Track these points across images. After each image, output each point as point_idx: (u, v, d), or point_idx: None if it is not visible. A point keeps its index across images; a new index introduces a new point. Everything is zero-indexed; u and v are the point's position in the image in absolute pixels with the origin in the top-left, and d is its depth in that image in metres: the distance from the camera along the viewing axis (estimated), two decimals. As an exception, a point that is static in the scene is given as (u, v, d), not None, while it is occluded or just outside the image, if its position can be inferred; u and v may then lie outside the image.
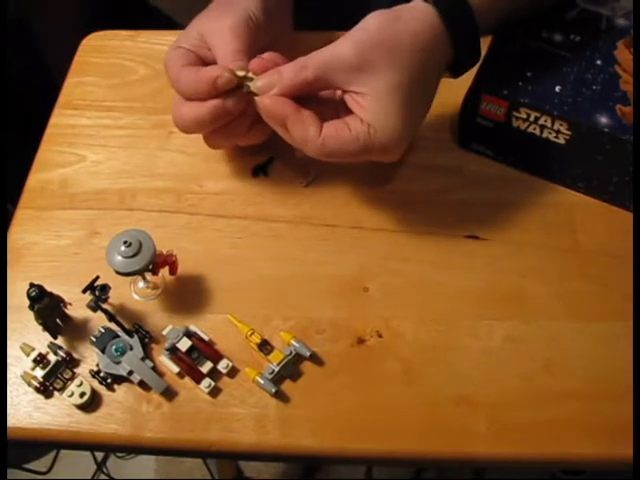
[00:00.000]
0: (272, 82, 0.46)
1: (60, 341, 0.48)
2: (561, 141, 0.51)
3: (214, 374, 0.46)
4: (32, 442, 0.46)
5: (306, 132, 0.45)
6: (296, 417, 0.45)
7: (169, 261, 0.48)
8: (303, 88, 0.46)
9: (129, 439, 0.45)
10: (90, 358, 0.47)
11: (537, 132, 0.52)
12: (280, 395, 0.45)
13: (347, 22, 0.52)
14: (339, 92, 0.48)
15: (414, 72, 0.46)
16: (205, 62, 0.51)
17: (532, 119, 0.51)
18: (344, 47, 0.46)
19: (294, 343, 0.46)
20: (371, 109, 0.45)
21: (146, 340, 0.48)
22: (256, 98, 0.47)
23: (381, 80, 0.45)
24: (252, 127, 0.51)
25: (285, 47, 0.54)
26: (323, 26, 0.64)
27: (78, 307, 0.49)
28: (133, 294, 0.50)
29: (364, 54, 0.45)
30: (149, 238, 0.47)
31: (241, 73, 0.47)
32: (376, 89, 0.45)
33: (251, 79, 0.47)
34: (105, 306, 0.48)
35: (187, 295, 0.50)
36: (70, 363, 0.47)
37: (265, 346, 0.47)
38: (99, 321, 0.48)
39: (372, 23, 0.46)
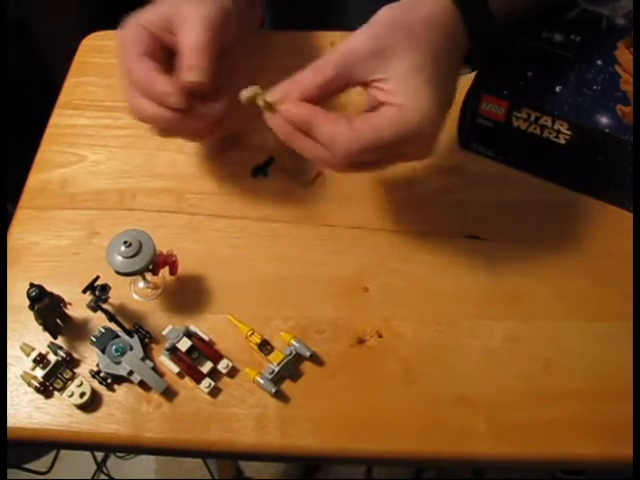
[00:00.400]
0: (289, 89, 0.44)
1: (60, 341, 0.48)
2: (561, 141, 0.51)
3: (214, 374, 0.46)
4: (32, 442, 0.46)
5: (336, 127, 0.42)
6: (296, 417, 0.45)
7: (169, 261, 0.48)
8: (323, 90, 0.44)
9: (129, 439, 0.44)
10: (90, 358, 0.47)
11: (537, 132, 0.52)
12: (280, 395, 0.45)
13: (329, 22, 0.52)
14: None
15: (434, 52, 0.44)
16: (164, 49, 0.49)
17: (532, 119, 0.51)
18: (360, 39, 0.44)
19: (294, 343, 0.46)
20: (399, 90, 0.43)
21: (146, 340, 0.48)
22: (280, 107, 0.44)
23: (403, 61, 0.43)
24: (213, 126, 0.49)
25: (244, 49, 0.53)
26: (307, 25, 0.64)
27: (78, 307, 0.49)
28: (133, 294, 0.50)
29: (381, 41, 0.44)
30: (149, 238, 0.47)
31: (250, 92, 0.44)
32: (400, 71, 0.43)
33: (262, 93, 0.44)
34: (105, 306, 0.48)
35: (187, 295, 0.50)
36: (70, 363, 0.47)
37: (265, 346, 0.47)
38: (99, 321, 0.48)
39: (384, 14, 0.46)
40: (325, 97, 0.44)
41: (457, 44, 0.47)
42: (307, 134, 0.43)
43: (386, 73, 0.44)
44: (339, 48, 0.44)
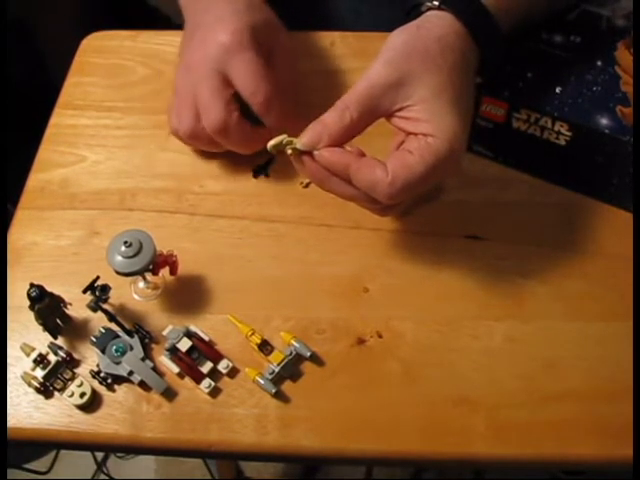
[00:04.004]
0: (318, 134, 0.44)
1: (60, 341, 0.48)
2: (561, 142, 0.51)
3: (214, 374, 0.46)
4: (32, 442, 0.46)
5: (374, 174, 0.42)
6: (296, 417, 0.45)
7: (169, 261, 0.48)
8: (351, 130, 0.44)
9: (129, 439, 0.45)
10: (90, 358, 0.47)
11: (537, 133, 0.52)
12: (280, 395, 0.45)
13: (318, 20, 0.53)
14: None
15: (450, 71, 0.45)
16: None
17: (532, 120, 0.51)
18: (377, 71, 0.44)
19: (294, 343, 0.47)
20: (423, 117, 0.43)
21: (146, 340, 0.48)
22: (315, 153, 0.44)
23: (424, 86, 0.44)
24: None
25: (285, 50, 0.55)
26: (296, 26, 0.64)
27: (78, 307, 0.49)
28: (133, 294, 0.50)
29: (399, 68, 0.44)
30: (149, 238, 0.47)
31: (278, 140, 0.45)
32: (422, 96, 0.44)
33: (290, 141, 0.44)
34: (105, 306, 0.48)
35: (187, 295, 0.50)
36: (70, 363, 0.47)
37: (265, 346, 0.47)
38: (99, 321, 0.48)
39: (396, 40, 0.46)
40: (353, 137, 0.45)
41: (469, 60, 0.47)
42: (343, 179, 0.44)
43: (408, 100, 0.44)
44: (360, 84, 0.44)
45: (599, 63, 0.52)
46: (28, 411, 0.45)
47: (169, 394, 0.46)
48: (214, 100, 0.51)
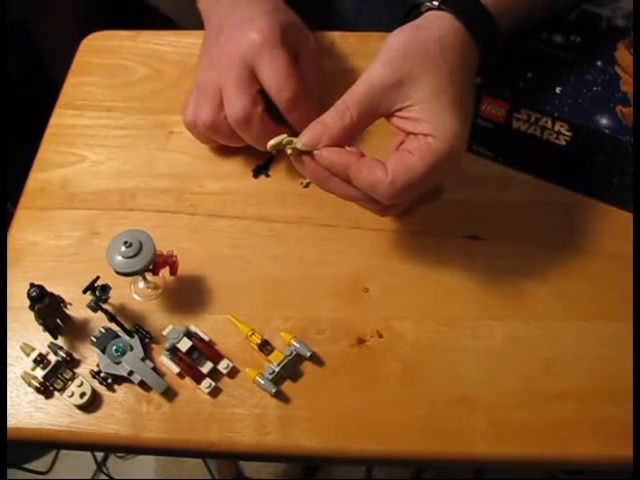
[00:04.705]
0: (318, 134, 0.44)
1: (60, 341, 0.48)
2: (561, 142, 0.51)
3: (214, 374, 0.46)
4: (32, 442, 0.46)
5: (374, 174, 0.42)
6: (296, 417, 0.45)
7: (169, 261, 0.48)
8: (351, 130, 0.44)
9: (129, 439, 0.45)
10: (90, 358, 0.47)
11: (537, 133, 0.52)
12: (280, 395, 0.45)
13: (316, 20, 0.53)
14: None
15: (450, 71, 0.45)
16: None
17: (532, 120, 0.51)
18: (377, 72, 0.44)
19: (294, 343, 0.47)
20: (423, 117, 0.43)
21: (146, 340, 0.48)
22: (315, 153, 0.44)
23: (424, 87, 0.44)
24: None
25: (311, 51, 0.56)
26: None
27: (78, 307, 0.49)
28: (133, 294, 0.50)
29: (399, 69, 0.44)
30: (149, 238, 0.47)
31: (278, 140, 0.45)
32: (422, 96, 0.44)
33: (291, 141, 0.45)
34: (105, 306, 0.48)
35: (187, 295, 0.50)
36: (70, 363, 0.47)
37: (265, 346, 0.47)
38: (99, 321, 0.48)
39: (396, 41, 0.46)
40: (353, 137, 0.45)
41: (469, 61, 0.47)
42: (343, 179, 0.44)
43: (408, 100, 0.44)
44: (360, 85, 0.44)
45: (599, 63, 0.52)
46: (28, 411, 0.45)
47: (169, 394, 0.46)
48: (240, 92, 0.50)
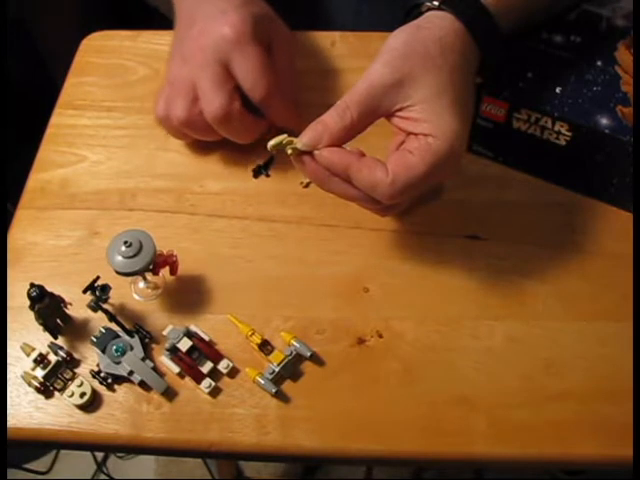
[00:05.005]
0: (319, 134, 0.44)
1: (60, 341, 0.48)
2: (561, 142, 0.51)
3: (214, 374, 0.46)
4: (32, 442, 0.46)
5: (374, 174, 0.42)
6: (296, 417, 0.45)
7: (169, 261, 0.48)
8: (351, 130, 0.44)
9: (129, 439, 0.45)
10: (90, 358, 0.47)
11: (537, 133, 0.52)
12: (280, 395, 0.45)
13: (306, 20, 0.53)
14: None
15: (452, 72, 0.45)
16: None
17: (532, 120, 0.51)
18: (378, 72, 0.44)
19: (294, 343, 0.47)
20: (423, 117, 0.43)
21: (146, 340, 0.48)
22: (315, 153, 0.44)
23: (424, 87, 0.44)
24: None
25: (284, 42, 0.55)
26: (297, 26, 0.65)
27: (78, 307, 0.49)
28: (133, 294, 0.50)
29: (399, 69, 0.44)
30: (149, 238, 0.47)
31: (278, 140, 0.45)
32: (422, 96, 0.44)
33: (291, 141, 0.44)
34: (105, 306, 0.48)
35: (187, 295, 0.50)
36: (70, 363, 0.47)
37: (265, 346, 0.47)
38: (99, 321, 0.48)
39: (396, 41, 0.46)
40: (353, 137, 0.45)
41: (469, 61, 0.47)
42: (344, 179, 0.44)
43: (409, 100, 0.44)
44: (360, 85, 0.44)
45: (599, 63, 0.52)
46: (28, 411, 0.45)
47: (169, 394, 0.46)
48: (217, 89, 0.50)
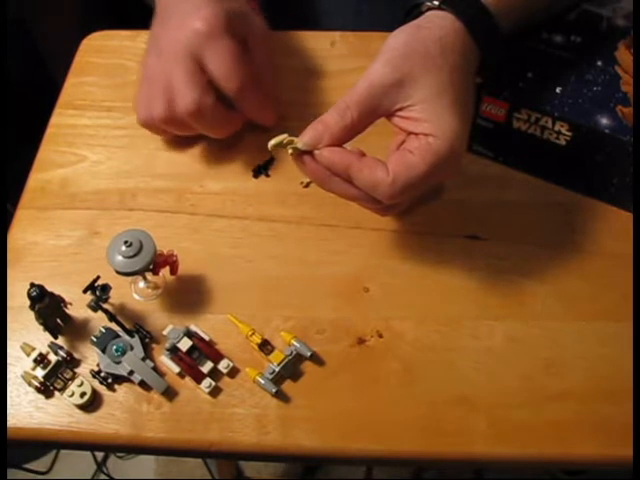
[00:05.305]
0: (319, 134, 0.44)
1: (61, 341, 0.48)
2: (561, 142, 0.51)
3: (215, 374, 0.46)
4: (32, 442, 0.46)
5: (374, 174, 0.42)
6: (296, 417, 0.45)
7: (170, 261, 0.48)
8: (351, 130, 0.44)
9: (129, 439, 0.45)
10: (91, 358, 0.47)
11: (538, 133, 0.52)
12: (281, 395, 0.45)
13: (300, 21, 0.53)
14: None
15: (452, 71, 0.45)
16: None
17: (532, 120, 0.51)
18: (378, 71, 0.44)
19: (295, 343, 0.47)
20: (423, 117, 0.43)
21: (147, 340, 0.48)
22: (316, 153, 0.44)
23: (424, 86, 0.44)
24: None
25: (260, 37, 0.55)
26: (297, 26, 0.65)
27: (79, 307, 0.49)
28: (134, 294, 0.50)
29: (400, 68, 0.44)
30: (150, 238, 0.47)
31: (278, 140, 0.45)
32: (422, 96, 0.44)
33: (291, 140, 0.44)
34: (106, 306, 0.48)
35: (187, 295, 0.50)
36: (71, 363, 0.47)
37: (266, 346, 0.47)
38: (100, 321, 0.48)
39: (396, 41, 0.46)
40: (353, 136, 0.45)
41: (470, 61, 0.47)
42: (344, 179, 0.44)
43: (409, 100, 0.44)
44: (361, 84, 0.44)
45: (599, 63, 0.52)
46: (28, 411, 0.45)
47: (169, 394, 0.46)
48: (189, 83, 0.51)
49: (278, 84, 0.59)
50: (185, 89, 0.51)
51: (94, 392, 0.46)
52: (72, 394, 0.45)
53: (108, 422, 0.45)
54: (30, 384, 0.46)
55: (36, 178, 0.57)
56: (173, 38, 0.52)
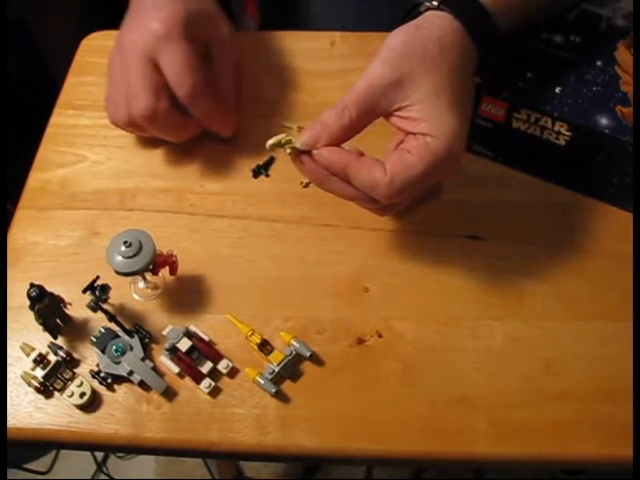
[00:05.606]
0: (317, 133, 0.44)
1: (60, 341, 0.48)
2: (561, 142, 0.51)
3: (214, 374, 0.46)
4: (32, 442, 0.46)
5: (373, 174, 0.42)
6: (296, 417, 0.45)
7: (169, 261, 0.48)
8: (350, 130, 0.44)
9: (129, 439, 0.45)
10: (90, 358, 0.47)
11: (537, 133, 0.52)
12: (280, 395, 0.45)
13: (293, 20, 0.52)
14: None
15: (451, 71, 0.45)
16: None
17: (532, 120, 0.51)
18: (377, 71, 0.44)
19: (294, 343, 0.47)
20: (422, 117, 0.43)
21: (146, 340, 0.48)
22: (314, 153, 0.44)
23: (423, 86, 0.44)
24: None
25: (223, 42, 0.55)
26: (297, 26, 0.65)
27: (78, 307, 0.49)
28: (133, 294, 0.50)
29: (398, 68, 0.44)
30: (149, 238, 0.47)
31: (276, 140, 0.45)
32: (420, 96, 0.44)
33: (289, 140, 0.44)
34: (105, 306, 0.48)
35: (187, 295, 0.50)
36: (70, 363, 0.47)
37: (265, 346, 0.47)
38: (99, 321, 0.48)
39: (395, 40, 0.46)
40: (352, 136, 0.45)
41: (468, 61, 0.47)
42: (342, 178, 0.44)
43: (407, 100, 0.44)
44: (359, 84, 0.44)
45: (599, 63, 0.52)
46: (28, 411, 0.45)
47: (169, 394, 0.46)
48: (143, 87, 0.50)
49: (241, 93, 0.58)
50: (138, 92, 0.50)
51: (94, 392, 0.46)
52: (72, 394, 0.45)
53: (108, 422, 0.45)
54: (30, 384, 0.46)
55: (36, 178, 0.57)
56: (132, 38, 0.51)
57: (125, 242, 0.46)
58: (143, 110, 0.50)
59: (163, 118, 0.51)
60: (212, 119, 0.54)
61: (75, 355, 0.48)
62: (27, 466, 1.14)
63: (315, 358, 0.47)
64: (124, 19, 0.55)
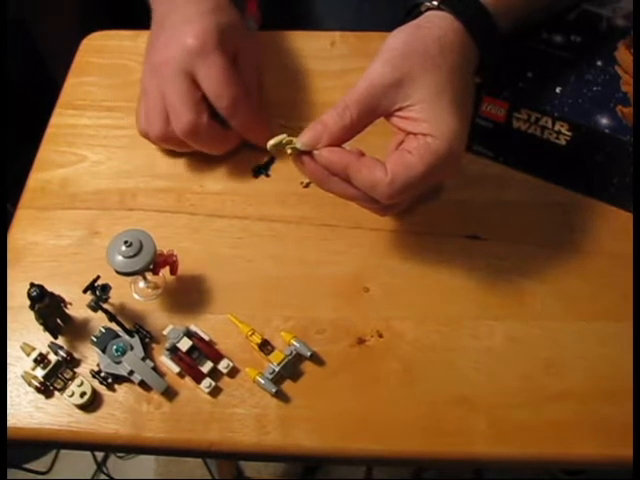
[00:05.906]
0: (318, 134, 0.44)
1: (61, 341, 0.48)
2: (561, 142, 0.51)
3: (214, 374, 0.46)
4: (32, 442, 0.46)
5: (373, 174, 0.42)
6: (296, 417, 0.45)
7: (170, 261, 0.48)
8: (350, 130, 0.44)
9: (129, 439, 0.45)
10: (91, 358, 0.47)
11: (537, 133, 0.52)
12: (280, 395, 0.45)
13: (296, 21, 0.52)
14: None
15: (451, 71, 0.45)
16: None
17: (532, 120, 0.51)
18: (377, 71, 0.44)
19: (295, 343, 0.47)
20: (422, 117, 0.44)
21: (147, 340, 0.48)
22: (315, 153, 0.44)
23: (423, 86, 0.44)
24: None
25: (250, 52, 0.55)
26: (297, 26, 0.65)
27: (78, 307, 0.49)
28: (134, 294, 0.50)
29: (399, 68, 0.44)
30: (150, 238, 0.47)
31: (277, 140, 0.45)
32: (421, 96, 0.44)
33: (290, 140, 0.44)
34: (106, 306, 0.48)
35: (187, 295, 0.50)
36: (71, 363, 0.47)
37: (266, 346, 0.47)
38: (100, 321, 0.48)
39: (396, 40, 0.46)
40: (353, 136, 0.45)
41: (469, 60, 0.47)
42: (343, 179, 0.44)
43: (408, 100, 0.44)
44: (360, 84, 0.44)
45: (599, 63, 0.52)
46: (28, 411, 0.45)
47: (169, 394, 0.46)
48: (183, 103, 0.51)
49: (265, 102, 0.58)
50: (179, 110, 0.51)
51: (94, 392, 0.46)
52: (72, 394, 0.45)
53: (108, 422, 0.45)
54: (30, 384, 0.46)
55: (36, 178, 0.57)
56: (165, 55, 0.52)
57: (125, 242, 0.46)
58: (185, 126, 0.51)
59: (205, 132, 0.52)
60: (251, 129, 0.55)
61: (75, 355, 0.48)
62: (27, 466, 1.14)
63: (315, 358, 0.47)
64: (151, 30, 0.55)
